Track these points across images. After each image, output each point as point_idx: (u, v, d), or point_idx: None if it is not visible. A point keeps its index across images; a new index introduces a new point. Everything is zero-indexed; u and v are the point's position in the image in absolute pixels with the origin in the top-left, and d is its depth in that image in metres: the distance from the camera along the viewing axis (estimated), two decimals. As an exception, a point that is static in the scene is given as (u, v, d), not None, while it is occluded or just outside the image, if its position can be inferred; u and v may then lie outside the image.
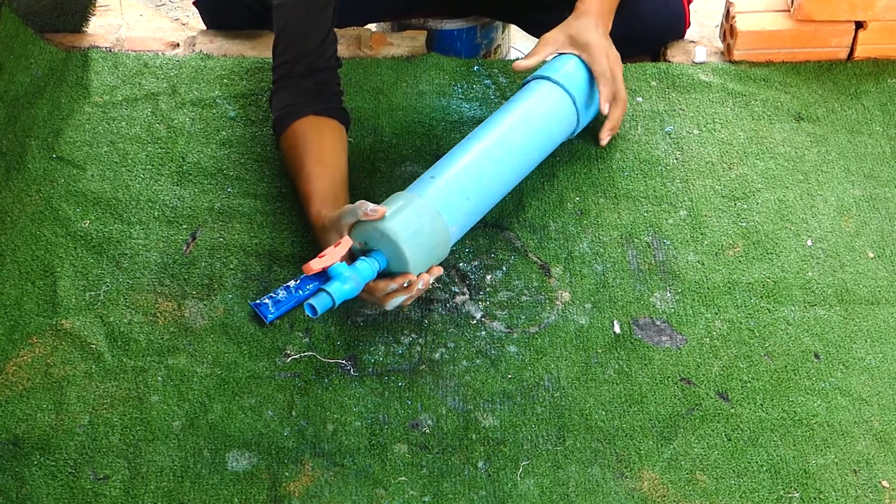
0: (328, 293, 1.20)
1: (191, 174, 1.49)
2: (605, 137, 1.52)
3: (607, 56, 1.46)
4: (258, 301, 1.33)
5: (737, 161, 1.52)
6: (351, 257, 1.26)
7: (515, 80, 1.65)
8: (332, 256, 1.22)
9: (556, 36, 1.50)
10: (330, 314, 1.32)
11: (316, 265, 1.21)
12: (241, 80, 1.63)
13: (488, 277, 1.38)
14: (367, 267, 1.23)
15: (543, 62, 1.49)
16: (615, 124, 1.51)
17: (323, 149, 1.41)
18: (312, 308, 1.20)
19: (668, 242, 1.42)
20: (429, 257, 1.27)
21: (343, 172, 1.41)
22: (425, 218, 1.26)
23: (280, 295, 1.33)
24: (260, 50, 1.70)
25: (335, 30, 1.48)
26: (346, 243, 1.24)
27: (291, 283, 1.34)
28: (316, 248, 1.36)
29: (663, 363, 1.29)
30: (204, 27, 1.78)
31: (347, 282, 1.21)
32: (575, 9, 1.51)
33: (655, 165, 1.52)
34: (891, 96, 1.61)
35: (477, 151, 1.35)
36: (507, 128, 1.39)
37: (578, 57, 1.47)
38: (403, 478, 1.19)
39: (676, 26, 1.71)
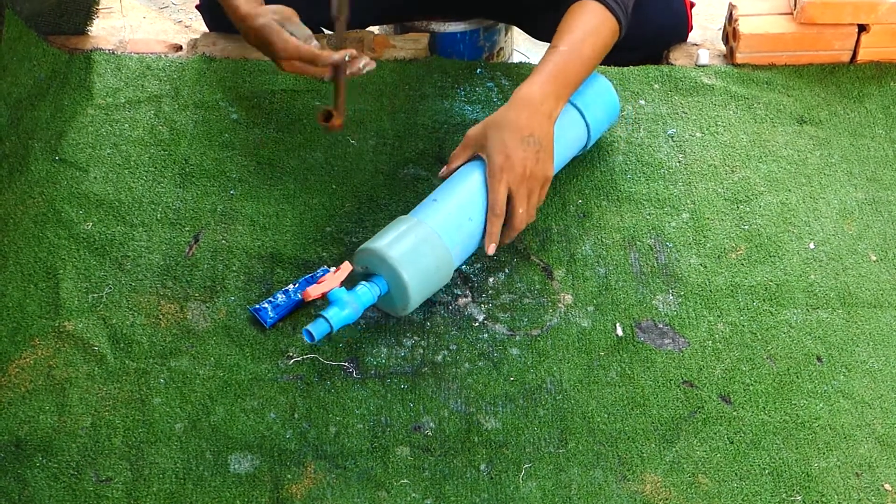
0: (326, 319, 1.21)
1: (193, 176, 1.50)
2: (489, 249, 1.29)
3: (509, 177, 1.27)
4: (257, 306, 1.33)
5: (739, 164, 1.52)
6: (351, 281, 1.26)
7: (518, 82, 1.64)
8: (330, 282, 1.22)
9: (474, 134, 1.33)
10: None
11: (314, 291, 1.21)
12: (244, 83, 1.63)
13: (491, 280, 1.38)
14: (366, 292, 1.24)
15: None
16: (495, 240, 1.29)
17: None
18: (310, 334, 1.20)
19: (671, 245, 1.42)
20: (430, 284, 1.27)
21: None
22: (427, 245, 1.25)
23: (279, 299, 1.33)
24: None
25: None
26: (346, 269, 1.24)
27: (290, 288, 1.34)
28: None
29: (666, 366, 1.29)
30: (206, 29, 1.78)
31: (346, 307, 1.22)
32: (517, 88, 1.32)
33: (658, 168, 1.52)
34: (893, 99, 1.61)
35: (482, 176, 1.33)
36: None
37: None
38: (405, 480, 1.19)
39: (679, 30, 1.71)
